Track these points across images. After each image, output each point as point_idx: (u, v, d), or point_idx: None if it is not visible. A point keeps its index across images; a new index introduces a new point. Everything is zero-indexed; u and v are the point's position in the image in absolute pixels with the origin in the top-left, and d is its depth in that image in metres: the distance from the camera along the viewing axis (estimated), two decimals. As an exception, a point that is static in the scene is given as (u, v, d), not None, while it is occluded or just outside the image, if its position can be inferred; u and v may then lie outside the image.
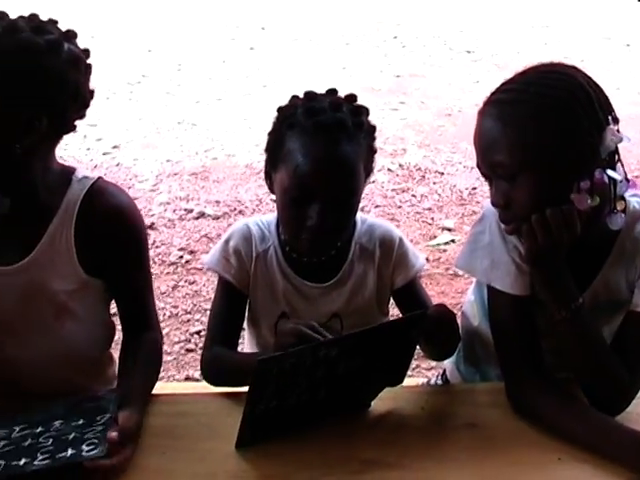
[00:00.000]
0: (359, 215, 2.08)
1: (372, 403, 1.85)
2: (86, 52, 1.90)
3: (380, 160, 5.36)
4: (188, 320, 3.96)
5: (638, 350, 1.87)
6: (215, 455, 1.72)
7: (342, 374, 1.74)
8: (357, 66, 7.02)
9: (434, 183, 5.17)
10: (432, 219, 4.74)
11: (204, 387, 2.03)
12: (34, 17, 1.86)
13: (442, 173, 5.28)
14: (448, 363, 2.29)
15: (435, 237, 4.56)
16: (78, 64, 1.86)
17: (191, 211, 4.87)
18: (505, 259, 1.88)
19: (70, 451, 1.66)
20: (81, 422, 1.74)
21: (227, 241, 2.07)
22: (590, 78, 1.74)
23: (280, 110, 1.96)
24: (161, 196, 5.01)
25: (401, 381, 1.89)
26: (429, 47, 7.46)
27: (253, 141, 5.65)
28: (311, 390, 1.73)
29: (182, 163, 5.45)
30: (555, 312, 1.78)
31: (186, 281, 4.24)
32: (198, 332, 3.85)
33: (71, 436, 1.70)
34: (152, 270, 2.18)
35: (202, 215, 4.84)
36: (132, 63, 7.03)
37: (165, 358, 3.57)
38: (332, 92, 1.98)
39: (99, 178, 1.97)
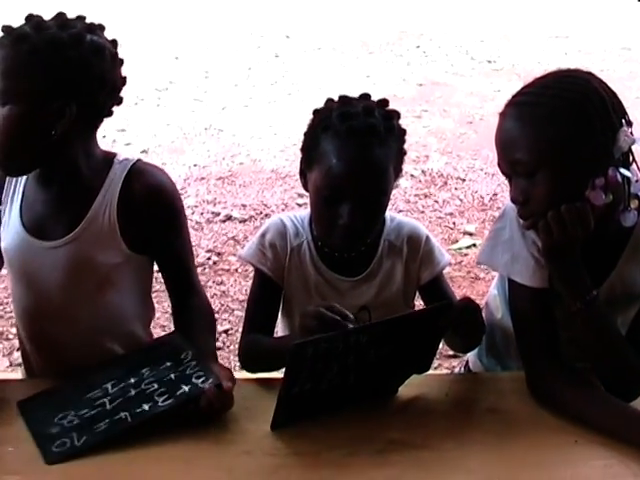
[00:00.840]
0: (388, 213, 2.17)
1: (399, 389, 1.94)
2: (113, 42, 2.02)
3: (403, 167, 5.40)
4: (216, 319, 4.04)
5: None
6: (251, 435, 1.81)
7: (371, 360, 1.84)
8: (381, 74, 7.11)
9: (456, 189, 5.25)
10: (454, 224, 4.82)
11: (240, 375, 2.13)
12: (60, 15, 2.00)
13: (464, 179, 5.36)
14: (471, 355, 2.37)
15: (457, 241, 4.64)
16: (102, 53, 1.97)
17: (218, 214, 4.98)
18: (524, 253, 1.96)
19: (185, 387, 1.80)
20: (169, 364, 1.88)
21: (263, 235, 2.16)
22: (604, 83, 1.84)
23: (316, 112, 2.06)
24: (189, 200, 5.10)
25: (427, 368, 1.98)
26: (451, 56, 7.53)
27: (278, 147, 5.76)
28: (342, 375, 1.83)
29: (209, 168, 5.54)
30: (571, 304, 1.87)
31: (214, 282, 4.35)
32: (226, 331, 3.94)
33: (173, 376, 1.84)
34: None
35: (229, 218, 4.94)
36: (160, 70, 7.15)
37: (194, 355, 3.69)
38: (365, 97, 2.07)
39: (139, 160, 2.08)
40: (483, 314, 2.12)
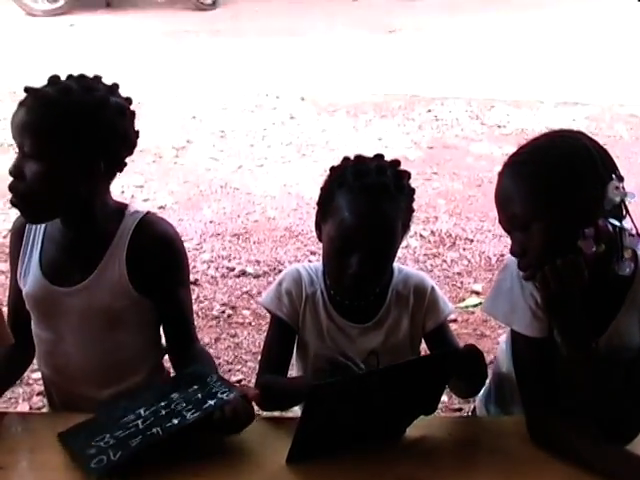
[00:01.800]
0: (396, 265, 2.29)
1: (407, 429, 2.05)
2: (129, 100, 2.18)
3: (413, 227, 5.48)
4: (230, 370, 4.16)
5: None
6: (267, 468, 1.94)
7: (381, 402, 1.95)
8: (392, 137, 7.25)
9: (464, 249, 5.36)
10: (461, 283, 4.92)
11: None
12: (82, 77, 2.14)
13: (472, 240, 5.46)
14: (478, 402, 2.47)
15: (464, 299, 4.73)
16: (125, 112, 2.15)
17: (233, 269, 5.09)
18: (522, 304, 2.06)
19: (211, 401, 1.92)
20: (196, 387, 1.99)
21: (280, 283, 2.30)
22: (594, 141, 1.96)
23: (332, 169, 2.20)
24: (205, 255, 5.23)
25: (434, 410, 2.10)
26: (461, 121, 7.64)
27: (292, 205, 5.88)
28: (355, 415, 1.94)
29: (224, 224, 5.66)
30: (571, 354, 1.96)
31: (228, 334, 4.45)
32: (239, 381, 4.03)
33: (199, 395, 1.96)
34: (196, 323, 2.41)
35: (243, 273, 5.05)
36: (178, 129, 7.29)
37: (208, 404, 3.80)
38: (379, 157, 2.20)
39: (148, 212, 2.26)
40: (492, 367, 2.25)
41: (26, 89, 2.09)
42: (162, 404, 1.97)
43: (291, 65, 9.17)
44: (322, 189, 2.22)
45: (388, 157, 2.22)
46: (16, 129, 2.08)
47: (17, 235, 2.30)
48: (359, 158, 2.20)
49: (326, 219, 2.17)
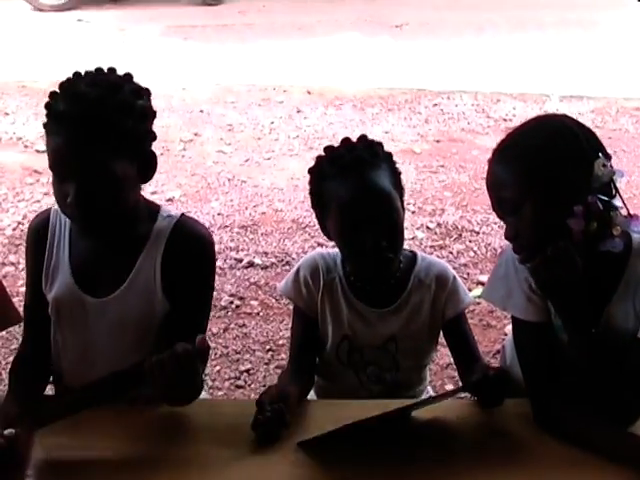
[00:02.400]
0: (420, 253, 2.35)
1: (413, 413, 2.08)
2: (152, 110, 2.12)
3: (419, 219, 5.60)
4: (238, 359, 4.22)
5: None
6: (279, 447, 1.98)
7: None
8: (399, 130, 7.29)
9: (470, 241, 5.40)
10: (467, 274, 4.96)
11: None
12: (129, 77, 2.07)
13: (477, 232, 5.50)
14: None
15: (470, 291, 4.74)
16: (154, 117, 2.13)
17: (241, 261, 5.14)
18: (517, 289, 2.10)
19: None
20: None
21: (298, 271, 2.33)
22: (579, 123, 2.00)
23: (310, 171, 2.27)
24: (213, 246, 5.25)
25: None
26: (468, 114, 7.68)
27: (299, 198, 5.92)
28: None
29: (232, 217, 5.72)
30: (570, 337, 2.01)
31: (236, 324, 4.51)
32: (247, 370, 4.11)
33: None
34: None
35: (251, 265, 5.10)
36: (185, 122, 7.35)
37: (216, 393, 3.85)
38: (345, 140, 2.26)
39: (182, 214, 2.20)
40: (499, 357, 2.28)
41: (62, 95, 2.01)
42: None
43: (298, 59, 9.19)
44: (310, 193, 2.28)
45: (395, 150, 2.28)
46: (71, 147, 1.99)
47: (38, 236, 2.22)
48: (328, 148, 2.27)
49: (325, 216, 2.23)
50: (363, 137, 2.27)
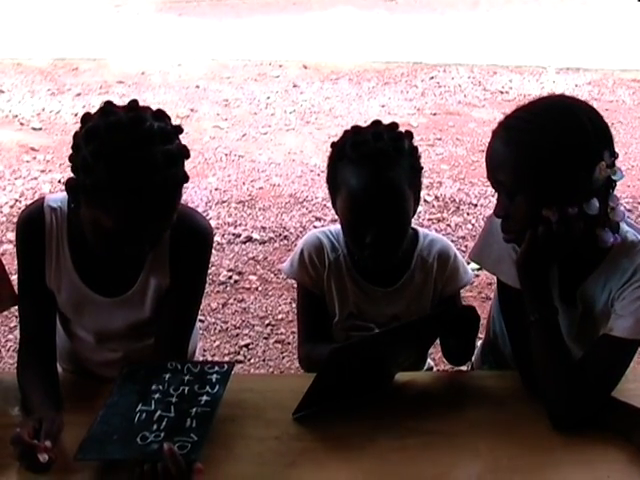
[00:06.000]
0: (421, 230, 2.32)
1: (412, 384, 2.12)
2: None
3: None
4: (237, 334, 4.23)
5: (603, 371, 2.02)
6: (278, 422, 1.99)
7: (385, 358, 2.03)
8: (395, 104, 7.27)
9: (468, 214, 5.42)
10: (466, 247, 4.94)
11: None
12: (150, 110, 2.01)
13: (475, 205, 5.51)
14: (476, 361, 2.52)
15: (468, 264, 4.74)
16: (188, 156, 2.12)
17: (239, 236, 5.14)
18: (507, 257, 2.09)
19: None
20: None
21: (302, 252, 2.30)
22: (593, 113, 1.94)
23: (333, 145, 2.20)
24: (211, 222, 5.22)
25: (423, 361, 2.25)
26: (464, 87, 7.66)
27: (296, 172, 5.93)
28: (360, 372, 2.01)
29: (230, 192, 5.71)
30: (530, 314, 2.00)
31: (235, 299, 4.52)
32: (246, 345, 4.13)
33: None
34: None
35: (249, 240, 5.11)
36: (182, 98, 7.30)
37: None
38: (376, 123, 2.19)
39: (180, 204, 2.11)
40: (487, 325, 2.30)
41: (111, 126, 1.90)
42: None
43: (293, 34, 9.15)
44: (327, 166, 2.22)
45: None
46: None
47: (32, 230, 2.13)
48: (355, 128, 2.19)
49: (336, 195, 2.18)
50: (394, 125, 2.18)
